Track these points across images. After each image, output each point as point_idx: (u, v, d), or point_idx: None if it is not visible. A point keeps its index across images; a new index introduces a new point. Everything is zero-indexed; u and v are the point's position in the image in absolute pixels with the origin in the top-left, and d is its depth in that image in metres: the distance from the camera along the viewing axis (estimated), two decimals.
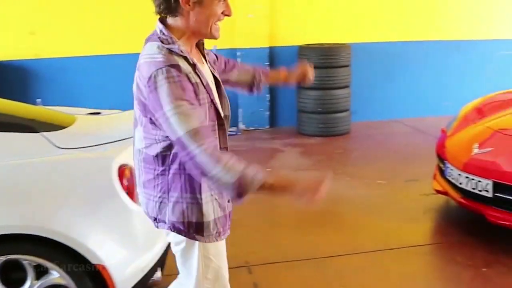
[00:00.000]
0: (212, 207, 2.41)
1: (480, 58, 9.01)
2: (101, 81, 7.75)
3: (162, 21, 2.35)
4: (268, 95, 8.19)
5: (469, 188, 4.65)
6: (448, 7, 8.90)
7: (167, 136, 2.26)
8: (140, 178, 2.47)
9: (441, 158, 5.19)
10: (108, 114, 3.92)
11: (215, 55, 2.76)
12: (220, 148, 2.37)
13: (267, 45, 8.14)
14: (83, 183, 3.03)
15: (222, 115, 2.41)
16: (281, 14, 8.22)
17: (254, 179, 2.16)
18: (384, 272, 4.18)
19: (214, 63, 2.68)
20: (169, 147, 2.31)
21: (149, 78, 2.19)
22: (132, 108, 2.45)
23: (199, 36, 2.38)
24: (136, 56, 2.37)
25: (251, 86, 2.87)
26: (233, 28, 7.69)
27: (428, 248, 4.68)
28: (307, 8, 8.33)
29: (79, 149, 3.12)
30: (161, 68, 2.17)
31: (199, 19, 2.28)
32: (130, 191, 3.07)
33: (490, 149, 4.69)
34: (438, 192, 5.20)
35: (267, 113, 8.29)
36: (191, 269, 2.48)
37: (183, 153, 2.21)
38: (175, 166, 2.34)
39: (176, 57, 2.24)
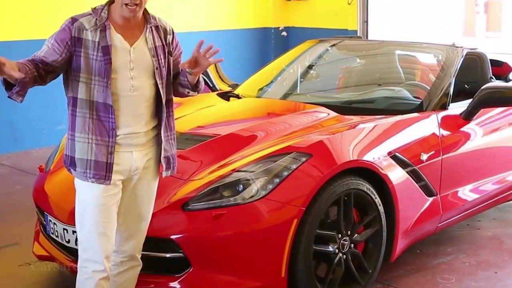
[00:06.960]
0: (86, 147, 2.72)
1: None
2: None
3: None
4: None
5: None
6: None
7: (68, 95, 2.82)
8: None
9: (41, 208, 3.72)
10: None
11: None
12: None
13: None
14: None
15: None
16: None
17: None
18: None
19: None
20: (68, 88, 2.81)
21: None
22: None
23: (118, 9, 2.76)
24: None
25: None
26: None
27: None
28: None
29: None
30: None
31: None
32: None
33: None
34: (41, 258, 3.74)
35: None
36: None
37: None
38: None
39: (88, 16, 2.77)
